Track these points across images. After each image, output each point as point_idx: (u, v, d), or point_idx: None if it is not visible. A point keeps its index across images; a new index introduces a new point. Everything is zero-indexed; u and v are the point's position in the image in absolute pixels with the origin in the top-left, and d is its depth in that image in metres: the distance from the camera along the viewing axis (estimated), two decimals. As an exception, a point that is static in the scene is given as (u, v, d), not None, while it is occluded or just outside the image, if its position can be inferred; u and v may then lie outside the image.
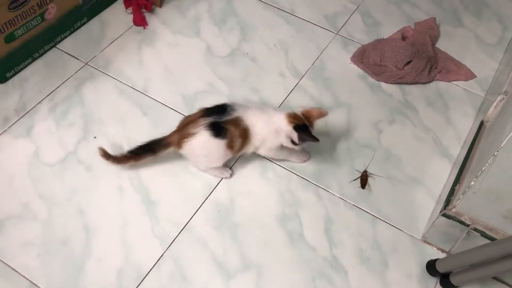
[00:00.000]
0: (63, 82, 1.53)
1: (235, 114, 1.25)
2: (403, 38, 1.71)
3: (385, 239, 1.27)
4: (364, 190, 1.35)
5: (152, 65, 1.60)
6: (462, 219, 1.13)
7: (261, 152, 1.32)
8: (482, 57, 1.73)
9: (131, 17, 1.71)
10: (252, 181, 1.35)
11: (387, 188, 1.36)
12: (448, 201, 1.17)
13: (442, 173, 1.39)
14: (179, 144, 1.26)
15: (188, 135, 1.24)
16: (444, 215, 1.15)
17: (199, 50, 1.66)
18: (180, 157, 1.37)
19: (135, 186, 1.32)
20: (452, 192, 1.18)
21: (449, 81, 1.63)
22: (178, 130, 1.29)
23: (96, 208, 1.27)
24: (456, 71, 1.65)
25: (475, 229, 1.12)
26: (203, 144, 1.24)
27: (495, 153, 0.96)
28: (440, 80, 1.63)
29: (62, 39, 1.63)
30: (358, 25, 1.79)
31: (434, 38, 1.74)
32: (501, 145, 0.94)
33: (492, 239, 1.11)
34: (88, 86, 1.53)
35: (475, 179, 1.04)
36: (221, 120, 1.23)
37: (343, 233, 1.27)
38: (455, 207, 1.13)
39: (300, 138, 1.24)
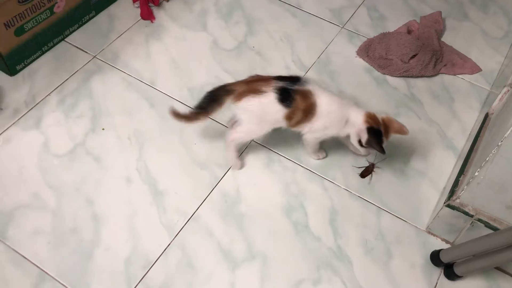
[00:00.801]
0: (72, 75, 1.55)
1: (308, 87, 1.21)
2: (409, 32, 1.72)
3: (390, 230, 1.28)
4: (368, 181, 1.36)
5: (159, 58, 1.62)
6: (466, 209, 1.14)
7: (309, 135, 1.28)
8: (488, 50, 1.73)
9: (138, 11, 1.73)
10: (258, 172, 1.37)
11: (392, 180, 1.37)
12: (452, 192, 1.18)
13: (446, 166, 1.40)
14: (240, 96, 1.21)
15: (255, 91, 1.20)
16: (448, 205, 1.16)
17: (206, 44, 1.68)
18: (187, 147, 1.39)
19: (143, 177, 1.34)
20: (456, 183, 1.19)
21: (455, 75, 1.64)
22: (244, 82, 1.24)
23: (105, 198, 1.29)
24: (462, 64, 1.66)
25: (479, 220, 1.13)
26: (265, 105, 1.20)
27: (499, 143, 0.97)
28: (446, 74, 1.64)
29: (71, 33, 1.66)
30: (364, 19, 1.79)
31: (440, 32, 1.74)
32: (505, 135, 0.95)
33: (495, 229, 1.12)
34: (96, 78, 1.55)
35: (479, 169, 1.05)
36: (292, 88, 1.20)
37: (347, 224, 1.28)
38: (459, 198, 1.14)
39: (367, 142, 1.22)
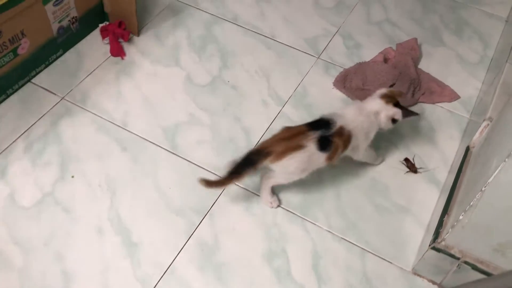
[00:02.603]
0: (39, 119, 1.49)
1: (338, 124, 1.24)
2: (385, 60, 1.70)
3: (375, 272, 1.24)
4: (352, 220, 1.32)
5: (130, 97, 1.57)
6: (452, 252, 1.11)
7: (358, 154, 1.33)
8: (465, 76, 1.72)
9: (108, 47, 1.68)
10: (237, 216, 1.31)
11: (374, 217, 1.33)
12: (437, 234, 1.14)
13: (429, 200, 1.37)
14: (281, 155, 1.20)
15: (296, 147, 1.20)
16: (434, 248, 1.12)
17: (179, 80, 1.63)
18: (162, 192, 1.33)
19: (115, 227, 1.27)
20: (440, 224, 1.15)
21: (433, 103, 1.62)
22: (280, 139, 1.23)
23: (75, 253, 1.22)
24: (440, 92, 1.64)
25: (466, 262, 1.10)
26: (308, 158, 1.22)
27: (483, 189, 0.94)
28: (424, 102, 1.62)
29: (37, 73, 1.59)
30: (340, 48, 1.77)
31: (416, 59, 1.73)
32: (488, 181, 0.92)
33: (483, 271, 1.08)
34: (65, 122, 1.48)
35: (463, 213, 1.02)
36: (329, 134, 1.23)
37: (331, 268, 1.24)
38: (444, 240, 1.11)
39: (404, 114, 1.30)
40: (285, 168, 1.23)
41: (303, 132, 1.22)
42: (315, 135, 1.22)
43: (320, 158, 1.24)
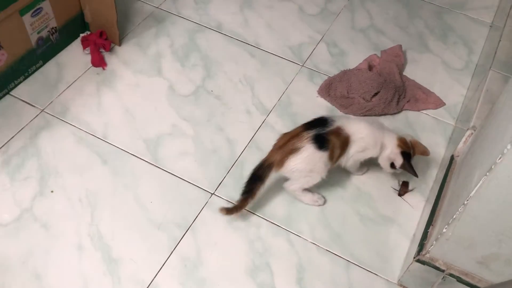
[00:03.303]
0: (18, 132, 1.45)
1: (336, 124, 1.25)
2: (370, 67, 1.68)
3: (360, 285, 1.22)
4: (336, 231, 1.30)
5: (112, 108, 1.54)
6: (437, 264, 1.09)
7: (350, 161, 1.32)
8: (450, 83, 1.71)
9: (89, 58, 1.65)
10: (220, 230, 1.29)
11: (359, 228, 1.32)
12: (421, 246, 1.12)
13: (415, 210, 1.36)
14: (281, 163, 1.23)
15: (292, 151, 1.22)
16: (418, 260, 1.11)
17: (162, 90, 1.60)
18: (143, 206, 1.31)
19: (95, 243, 1.24)
20: (425, 236, 1.14)
21: (418, 110, 1.61)
22: (277, 148, 1.26)
23: (54, 271, 1.19)
24: (425, 99, 1.63)
25: (451, 274, 1.08)
26: (309, 158, 1.22)
27: (465, 202, 0.93)
28: (409, 110, 1.61)
29: (16, 85, 1.56)
30: (324, 55, 1.75)
31: (401, 66, 1.72)
32: (470, 194, 0.91)
33: (468, 284, 1.07)
34: (45, 135, 1.45)
35: (447, 226, 1.00)
36: (324, 132, 1.23)
37: (316, 282, 1.22)
38: (429, 253, 1.09)
39: (402, 165, 1.29)
40: (293, 173, 1.26)
41: (297, 135, 1.24)
42: (309, 135, 1.22)
43: (322, 157, 1.24)
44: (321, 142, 1.22)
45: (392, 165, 1.31)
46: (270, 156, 1.25)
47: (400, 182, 1.39)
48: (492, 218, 0.92)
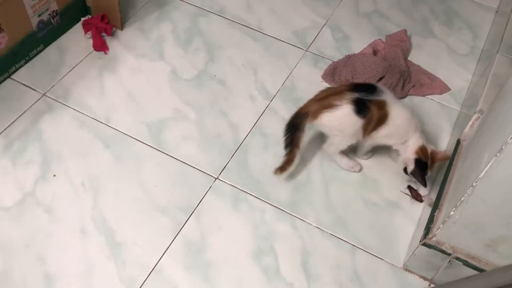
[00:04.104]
0: (19, 116, 1.44)
1: (383, 97, 1.22)
2: (374, 52, 1.67)
3: (365, 269, 1.21)
4: (341, 216, 1.29)
5: (114, 92, 1.52)
6: (443, 248, 1.08)
7: (370, 141, 1.30)
8: (455, 68, 1.69)
9: (90, 42, 1.63)
10: (224, 214, 1.28)
11: (364, 213, 1.31)
12: (428, 230, 1.12)
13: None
14: (316, 114, 1.23)
15: (329, 106, 1.21)
16: (424, 244, 1.10)
17: (164, 74, 1.59)
18: (146, 190, 1.30)
19: (99, 227, 1.23)
20: (431, 219, 1.13)
21: (423, 96, 1.59)
22: (316, 99, 1.26)
23: (58, 254, 1.19)
24: (430, 84, 1.61)
25: (457, 258, 1.08)
26: (343, 118, 1.22)
27: (474, 184, 0.92)
28: (414, 95, 1.59)
29: (17, 69, 1.54)
30: (328, 40, 1.74)
31: (406, 51, 1.70)
32: (479, 176, 0.89)
33: (475, 267, 1.06)
34: (46, 119, 1.44)
35: (454, 209, 0.99)
36: (368, 99, 1.20)
37: (321, 266, 1.21)
38: (435, 236, 1.08)
39: (412, 172, 1.26)
40: (325, 128, 1.28)
41: (340, 92, 1.23)
42: (351, 96, 1.21)
43: (357, 123, 1.22)
44: (361, 108, 1.21)
45: (405, 170, 1.29)
46: (307, 106, 1.25)
47: (407, 192, 1.35)
48: (501, 199, 0.91)
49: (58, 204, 1.27)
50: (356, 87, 1.25)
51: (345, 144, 1.30)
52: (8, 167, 1.33)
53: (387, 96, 1.24)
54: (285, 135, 1.26)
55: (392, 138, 1.28)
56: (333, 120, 1.23)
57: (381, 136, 1.27)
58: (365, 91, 1.22)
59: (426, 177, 1.26)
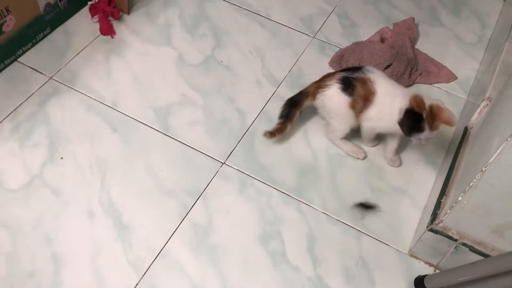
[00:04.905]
0: (27, 99, 1.44)
1: (368, 75, 1.24)
2: (382, 40, 1.66)
3: (371, 254, 1.22)
4: (347, 202, 1.29)
5: (121, 76, 1.52)
6: (450, 233, 1.09)
7: (366, 123, 1.29)
8: (462, 57, 1.69)
9: (97, 26, 1.62)
10: (231, 198, 1.28)
11: (370, 200, 1.31)
12: (434, 215, 1.12)
13: (426, 182, 1.35)
14: (314, 95, 1.30)
15: (323, 86, 1.28)
16: (431, 230, 1.11)
17: (171, 59, 1.58)
18: (154, 174, 1.30)
19: (106, 209, 1.24)
20: (438, 205, 1.13)
21: (430, 84, 1.59)
22: (317, 81, 1.33)
23: (65, 236, 1.19)
24: (437, 73, 1.61)
25: (463, 244, 1.08)
26: (332, 97, 1.27)
27: (483, 169, 0.92)
28: (421, 83, 1.59)
29: (24, 52, 1.54)
30: (335, 27, 1.73)
31: (413, 39, 1.69)
32: (489, 160, 0.90)
33: (481, 253, 1.07)
34: (53, 102, 1.44)
35: (462, 194, 0.99)
36: (352, 76, 1.25)
37: (327, 251, 1.22)
38: (442, 222, 1.09)
39: (400, 123, 1.18)
40: (321, 108, 1.33)
41: (333, 74, 1.30)
42: (340, 75, 1.27)
43: (344, 101, 1.26)
44: (347, 85, 1.25)
45: (405, 129, 1.19)
46: (308, 87, 1.34)
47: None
48: (510, 184, 0.91)
49: (65, 187, 1.27)
50: (346, 69, 1.31)
51: (342, 127, 1.32)
52: (15, 150, 1.33)
53: (374, 75, 1.24)
54: (282, 108, 1.35)
55: (384, 121, 1.24)
56: (324, 100, 1.29)
57: (373, 118, 1.25)
58: (352, 71, 1.27)
59: (424, 138, 1.16)
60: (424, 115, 1.16)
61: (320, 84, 1.30)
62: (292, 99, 1.35)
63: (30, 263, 1.15)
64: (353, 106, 1.26)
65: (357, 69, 1.28)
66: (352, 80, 1.24)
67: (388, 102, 1.22)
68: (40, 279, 1.12)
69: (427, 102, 1.17)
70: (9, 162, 1.31)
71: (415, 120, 1.16)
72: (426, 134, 1.17)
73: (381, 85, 1.24)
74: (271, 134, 1.34)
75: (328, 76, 1.31)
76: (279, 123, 1.34)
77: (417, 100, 1.17)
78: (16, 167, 1.30)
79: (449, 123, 1.15)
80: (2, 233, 1.18)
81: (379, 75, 1.26)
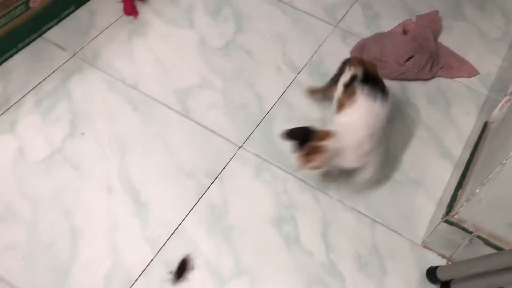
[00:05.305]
0: (50, 75, 1.46)
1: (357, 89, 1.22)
2: (404, 32, 1.65)
3: (384, 243, 1.22)
4: (363, 191, 1.30)
5: (143, 57, 1.53)
6: (465, 226, 1.09)
7: None
8: (485, 52, 1.67)
9: (121, 6, 1.64)
10: (247, 181, 1.30)
11: (386, 190, 1.31)
12: (450, 207, 1.12)
13: (443, 175, 1.35)
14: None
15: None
16: (446, 221, 1.11)
17: (193, 42, 1.59)
18: (172, 154, 1.32)
19: (125, 186, 1.26)
20: (454, 198, 1.13)
21: (451, 78, 1.58)
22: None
23: (84, 209, 1.22)
24: (459, 67, 1.60)
25: (478, 237, 1.08)
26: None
27: (504, 161, 0.92)
28: (442, 77, 1.58)
29: (49, 28, 1.56)
30: (358, 17, 1.72)
31: (436, 33, 1.68)
32: (511, 153, 0.89)
33: (495, 246, 1.07)
34: (76, 79, 1.46)
35: (480, 187, 0.99)
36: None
37: (340, 237, 1.22)
38: (457, 214, 1.09)
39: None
40: None
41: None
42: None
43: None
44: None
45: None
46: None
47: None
48: (531, 178, 0.91)
49: (85, 162, 1.29)
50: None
51: None
52: (37, 123, 1.36)
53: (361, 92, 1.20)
54: (336, 72, 1.34)
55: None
56: None
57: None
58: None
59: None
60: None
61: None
62: (342, 66, 1.32)
63: (49, 233, 1.17)
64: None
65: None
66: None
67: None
68: (58, 250, 1.15)
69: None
70: (31, 135, 1.33)
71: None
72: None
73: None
74: (314, 91, 1.42)
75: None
76: (326, 85, 1.38)
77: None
78: (38, 140, 1.32)
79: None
80: (23, 203, 1.21)
81: (366, 95, 1.21)
